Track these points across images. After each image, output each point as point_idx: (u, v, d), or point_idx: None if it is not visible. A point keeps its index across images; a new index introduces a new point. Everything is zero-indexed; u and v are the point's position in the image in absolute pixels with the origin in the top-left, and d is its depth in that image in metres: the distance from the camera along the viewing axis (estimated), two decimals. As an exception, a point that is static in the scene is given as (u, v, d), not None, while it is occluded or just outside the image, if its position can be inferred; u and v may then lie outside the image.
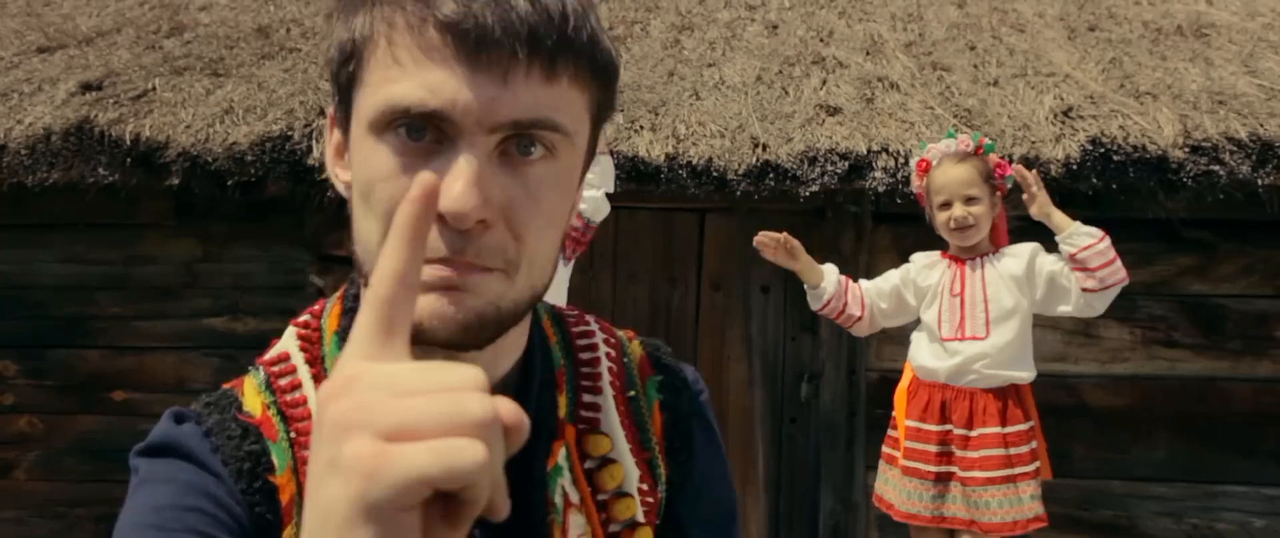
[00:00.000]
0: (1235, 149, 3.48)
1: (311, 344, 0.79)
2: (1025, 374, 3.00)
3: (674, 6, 5.46)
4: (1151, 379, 4.15)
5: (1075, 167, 3.51)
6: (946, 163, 2.98)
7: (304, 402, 0.76)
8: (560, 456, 0.79)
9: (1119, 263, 2.83)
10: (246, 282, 4.47)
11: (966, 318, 2.99)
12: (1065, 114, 3.73)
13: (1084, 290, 2.84)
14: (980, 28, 4.96)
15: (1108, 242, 2.80)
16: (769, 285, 4.27)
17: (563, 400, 0.81)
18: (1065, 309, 2.96)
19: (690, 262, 4.33)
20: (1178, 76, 4.11)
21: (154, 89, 4.38)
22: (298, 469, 0.73)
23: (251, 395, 0.77)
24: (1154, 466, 4.14)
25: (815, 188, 3.55)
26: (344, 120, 0.72)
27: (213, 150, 3.93)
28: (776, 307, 4.29)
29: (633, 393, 0.86)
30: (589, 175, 2.72)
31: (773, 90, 4.14)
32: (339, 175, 0.76)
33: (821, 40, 4.81)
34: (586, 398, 0.83)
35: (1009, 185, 3.06)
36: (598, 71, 0.69)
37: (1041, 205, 2.86)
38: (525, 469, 0.75)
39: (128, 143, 3.99)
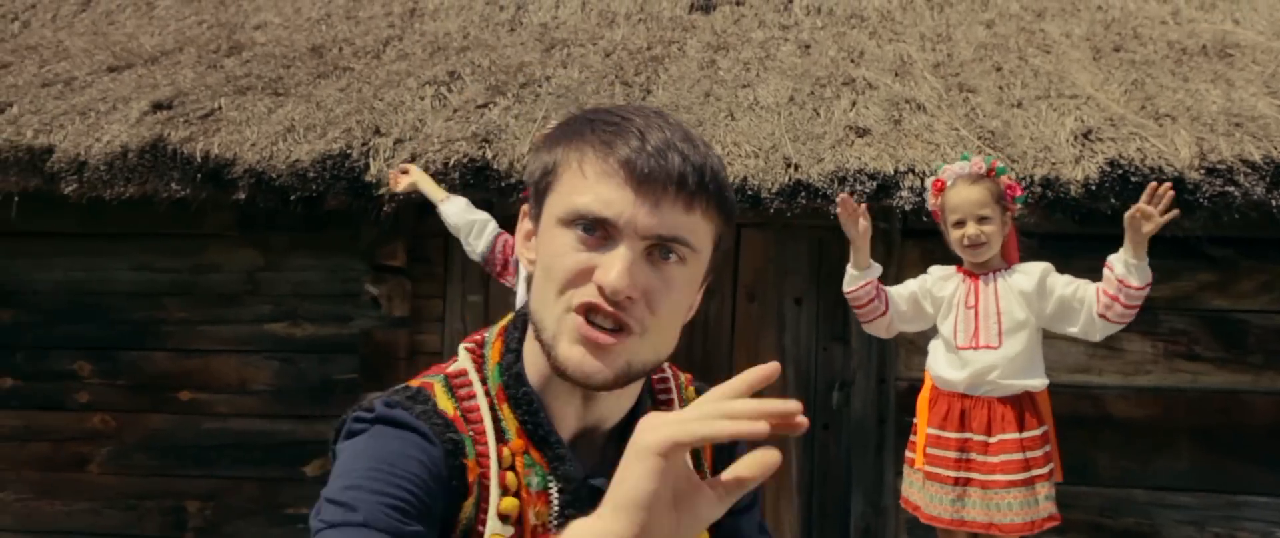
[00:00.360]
0: (1250, 171, 3.62)
1: (479, 365, 1.05)
2: (1037, 382, 3.18)
3: (709, 26, 5.67)
4: (1174, 392, 4.28)
5: (1094, 187, 3.66)
6: (960, 183, 3.17)
7: (477, 409, 1.02)
8: None
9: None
10: (305, 290, 4.71)
11: (981, 329, 3.17)
12: (1085, 136, 3.88)
13: (1100, 316, 3.00)
14: (1007, 49, 5.11)
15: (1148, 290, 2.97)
16: (801, 297, 4.46)
17: None
18: (1072, 330, 3.14)
19: (726, 273, 4.52)
20: (1198, 98, 4.25)
21: (220, 108, 4.64)
22: (478, 459, 0.99)
23: (443, 398, 1.01)
24: (1176, 475, 4.26)
25: (845, 206, 3.73)
26: (536, 215, 1.01)
27: (277, 167, 4.17)
28: (809, 317, 4.47)
29: None
30: None
31: (804, 111, 4.32)
32: (525, 254, 1.04)
33: (852, 61, 4.98)
34: None
35: (1019, 206, 3.24)
36: (722, 211, 0.98)
37: (1151, 230, 2.88)
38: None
39: (198, 160, 4.24)
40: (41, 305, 4.86)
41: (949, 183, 3.20)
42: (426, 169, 4.04)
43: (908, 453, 3.34)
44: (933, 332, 3.36)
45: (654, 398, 1.12)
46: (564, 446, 1.01)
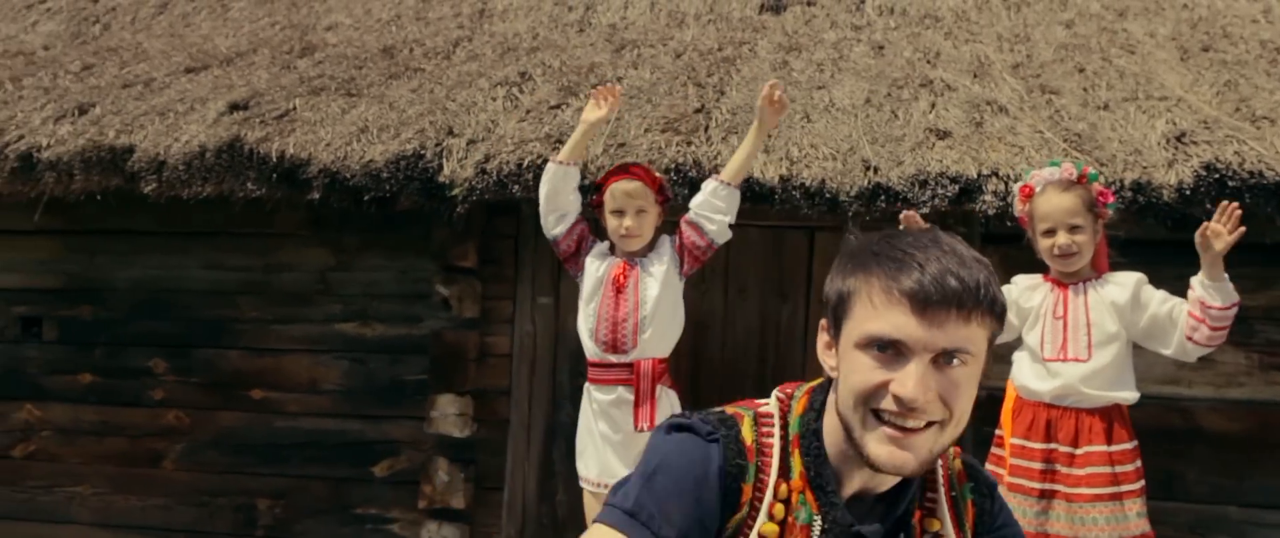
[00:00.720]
0: (1356, 175, 3.46)
1: (785, 412, 1.26)
2: (1128, 394, 3.05)
3: (780, 27, 5.59)
4: (1269, 405, 4.10)
5: (1188, 192, 3.52)
6: (1051, 190, 3.05)
7: (771, 446, 1.23)
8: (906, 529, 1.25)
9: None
10: (375, 290, 4.72)
11: (1069, 340, 3.05)
12: (1178, 139, 3.74)
13: (1188, 338, 2.90)
14: (1089, 49, 4.96)
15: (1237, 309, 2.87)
16: (875, 303, 4.36)
17: (912, 492, 1.25)
18: (1164, 351, 3.03)
19: (799, 278, 4.45)
20: (1297, 100, 4.08)
21: (295, 109, 4.67)
22: (757, 486, 1.20)
23: (747, 430, 1.23)
24: (1273, 493, 4.07)
25: (926, 210, 3.63)
26: (835, 334, 1.19)
27: (351, 167, 4.17)
28: (882, 324, 4.37)
29: (955, 494, 1.29)
30: (719, 202, 2.88)
31: (882, 113, 4.23)
32: (826, 361, 1.23)
33: (928, 62, 4.87)
34: (929, 493, 1.27)
35: (1111, 213, 3.12)
36: (995, 317, 1.13)
37: (1222, 249, 2.81)
38: (903, 529, 1.24)
39: (274, 160, 4.26)
40: (120, 303, 4.94)
41: (1038, 189, 3.09)
42: (499, 170, 4.02)
43: (991, 466, 3.23)
44: (1016, 342, 3.26)
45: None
46: (839, 496, 1.21)
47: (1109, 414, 3.04)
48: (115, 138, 4.53)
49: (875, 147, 3.92)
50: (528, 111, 4.47)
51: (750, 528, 1.19)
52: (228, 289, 4.85)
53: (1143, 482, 3.02)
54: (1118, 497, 2.99)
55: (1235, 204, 2.84)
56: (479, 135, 4.29)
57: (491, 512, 4.50)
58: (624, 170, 3.36)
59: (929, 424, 1.11)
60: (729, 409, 1.25)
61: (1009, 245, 4.05)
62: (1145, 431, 3.12)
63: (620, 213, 3.25)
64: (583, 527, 3.44)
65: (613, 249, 3.35)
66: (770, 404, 1.27)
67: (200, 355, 4.83)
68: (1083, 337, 3.04)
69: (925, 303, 1.08)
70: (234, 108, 4.71)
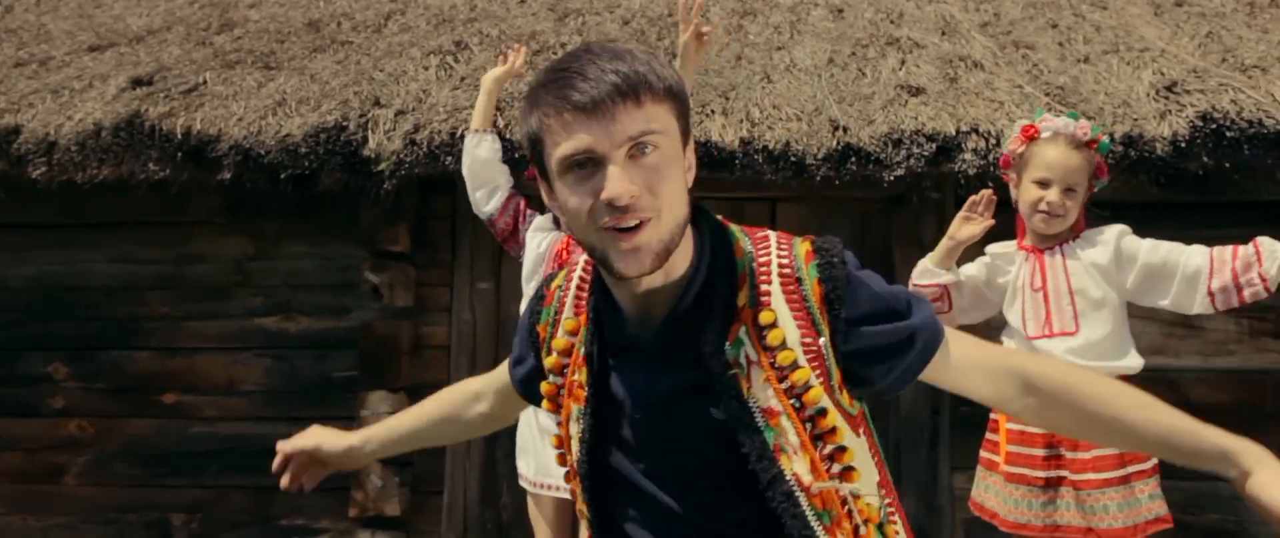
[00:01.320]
0: (1361, 123, 3.20)
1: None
2: (1129, 363, 2.74)
3: (733, -8, 5.27)
4: (1260, 374, 3.88)
5: (1184, 144, 3.26)
6: (1062, 142, 2.73)
7: (568, 288, 1.34)
8: (739, 332, 1.21)
9: None
10: (299, 280, 4.35)
11: (1053, 313, 2.74)
12: (1168, 90, 3.47)
13: (1208, 295, 2.58)
14: (1059, 6, 4.71)
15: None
16: (844, 279, 4.05)
17: (744, 294, 1.23)
18: (1161, 302, 2.71)
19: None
20: (1284, 50, 3.83)
21: (205, 83, 4.28)
22: (552, 327, 1.34)
23: (560, 278, 1.37)
24: (1263, 468, 3.85)
25: (901, 172, 3.32)
26: (544, 177, 1.21)
27: (265, 143, 3.81)
28: (851, 301, 4.07)
29: (799, 276, 1.24)
30: None
31: (848, 72, 3.92)
32: (552, 207, 1.26)
33: (892, 22, 4.58)
34: (762, 288, 1.23)
35: (1098, 188, 2.82)
36: (664, 90, 1.15)
37: None
38: (696, 347, 1.20)
39: (178, 137, 3.89)
40: (13, 303, 4.49)
41: (1046, 135, 2.76)
42: (431, 140, 3.66)
43: (985, 454, 2.91)
44: (1000, 319, 2.94)
45: (754, 262, 1.25)
46: (619, 315, 1.27)
47: (1110, 389, 2.74)
48: None
49: (843, 106, 3.60)
50: (463, 79, 4.10)
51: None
52: (135, 284, 4.43)
53: (1154, 461, 2.72)
54: (1126, 480, 2.68)
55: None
56: (408, 105, 3.92)
57: (430, 518, 4.12)
58: None
59: (649, 220, 1.13)
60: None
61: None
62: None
63: None
64: (528, 531, 3.10)
65: (557, 223, 3.01)
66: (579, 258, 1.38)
67: (105, 358, 4.39)
68: (1067, 308, 2.71)
69: (595, 106, 1.10)
70: (137, 83, 4.30)
